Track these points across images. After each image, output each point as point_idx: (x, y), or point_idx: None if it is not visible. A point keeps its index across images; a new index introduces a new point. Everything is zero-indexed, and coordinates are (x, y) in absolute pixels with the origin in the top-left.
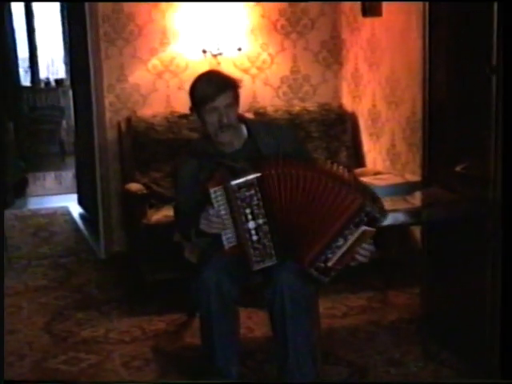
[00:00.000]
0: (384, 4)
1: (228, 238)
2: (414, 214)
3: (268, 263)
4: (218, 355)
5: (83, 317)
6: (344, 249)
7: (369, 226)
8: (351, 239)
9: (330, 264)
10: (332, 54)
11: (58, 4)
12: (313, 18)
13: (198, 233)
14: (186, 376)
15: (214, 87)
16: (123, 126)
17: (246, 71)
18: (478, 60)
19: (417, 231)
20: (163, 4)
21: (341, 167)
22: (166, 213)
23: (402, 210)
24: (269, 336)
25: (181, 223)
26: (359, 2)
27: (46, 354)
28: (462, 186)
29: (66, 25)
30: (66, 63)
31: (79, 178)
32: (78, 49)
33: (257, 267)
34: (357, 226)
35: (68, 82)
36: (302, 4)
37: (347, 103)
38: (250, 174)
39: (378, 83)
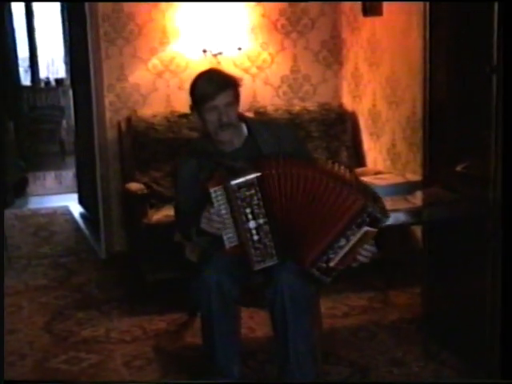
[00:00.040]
0: (384, 4)
1: (229, 238)
2: (414, 213)
3: (269, 263)
4: (219, 355)
5: (84, 316)
6: (346, 249)
7: (371, 226)
8: (353, 240)
9: (331, 264)
10: (332, 53)
11: (58, 4)
12: (313, 17)
13: (199, 232)
14: (186, 376)
15: (214, 86)
16: (123, 125)
17: (246, 71)
18: (479, 60)
19: (417, 231)
20: (163, 4)
21: (342, 167)
22: (167, 212)
23: (403, 209)
24: (270, 336)
25: (181, 222)
26: (360, 2)
27: (46, 353)
28: (462, 185)
29: (66, 24)
30: (66, 63)
31: (79, 177)
32: (78, 48)
33: (258, 267)
34: (359, 226)
35: (68, 82)
36: (303, 4)
37: (347, 103)
38: (250, 173)
39: (379, 83)
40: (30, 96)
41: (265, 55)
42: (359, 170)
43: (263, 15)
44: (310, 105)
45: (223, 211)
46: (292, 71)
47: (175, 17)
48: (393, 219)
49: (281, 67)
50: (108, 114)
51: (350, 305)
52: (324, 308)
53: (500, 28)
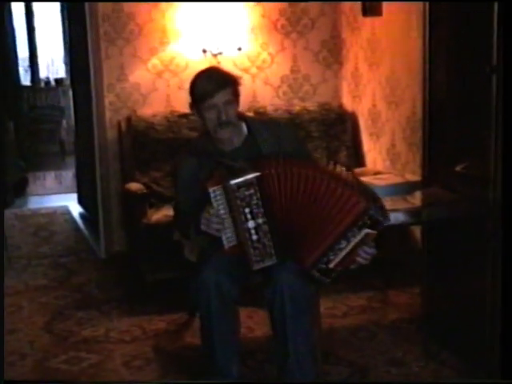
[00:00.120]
0: (384, 4)
1: (228, 238)
2: (414, 213)
3: (268, 263)
4: (218, 355)
5: (83, 316)
6: (346, 251)
7: (371, 228)
8: (354, 241)
9: (331, 265)
10: (332, 53)
11: (58, 4)
12: (313, 17)
13: (198, 231)
14: (186, 376)
15: (213, 84)
16: (123, 125)
17: (246, 71)
18: (478, 60)
19: (417, 231)
20: (163, 4)
21: (343, 169)
22: (166, 212)
23: (402, 209)
24: (269, 336)
25: (180, 221)
26: (359, 2)
27: (46, 353)
28: (462, 185)
29: (66, 24)
30: (66, 63)
31: (79, 177)
32: (78, 48)
33: (257, 267)
34: (360, 228)
35: (68, 82)
36: (302, 4)
37: (347, 103)
38: (249, 173)
39: (378, 83)
40: (29, 96)
41: (265, 55)
42: (359, 170)
43: (263, 15)
44: (310, 105)
45: (222, 211)
46: (292, 71)
47: (175, 17)
48: (392, 219)
49: (281, 67)
50: (108, 114)
51: (349, 305)
52: (323, 308)
53: (500, 28)
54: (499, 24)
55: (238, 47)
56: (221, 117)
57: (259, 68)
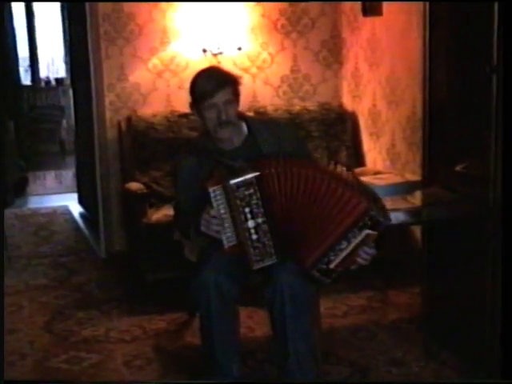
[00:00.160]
0: (384, 4)
1: (228, 238)
2: (414, 213)
3: (268, 262)
4: (219, 354)
5: (84, 316)
6: (347, 251)
7: (372, 229)
8: (354, 242)
9: (331, 266)
10: (332, 53)
11: (58, 3)
12: (313, 17)
13: (198, 232)
14: (186, 375)
15: (213, 83)
16: (123, 125)
17: (246, 70)
18: (479, 60)
19: (417, 231)
20: (163, 3)
21: (344, 169)
22: (166, 212)
23: (403, 209)
24: (269, 335)
25: (181, 221)
26: (360, 2)
27: (46, 353)
28: (462, 185)
29: (67, 24)
30: (66, 62)
31: (79, 177)
32: (79, 48)
33: (256, 266)
34: (360, 229)
35: (68, 81)
36: (303, 3)
37: (347, 103)
38: (249, 172)
39: (378, 83)
40: (30, 95)
41: (265, 55)
42: (359, 169)
43: (263, 15)
44: (310, 104)
45: (222, 211)
46: (292, 71)
47: (175, 17)
48: (392, 219)
49: (281, 67)
50: (108, 114)
51: (349, 304)
52: (324, 308)
53: (500, 28)
54: (499, 24)
55: (238, 47)
56: (221, 116)
57: (259, 68)
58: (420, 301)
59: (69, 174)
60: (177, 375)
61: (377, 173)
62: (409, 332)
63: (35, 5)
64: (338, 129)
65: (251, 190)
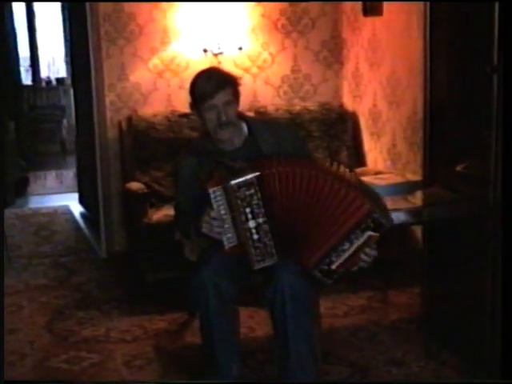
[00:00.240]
0: (385, 4)
1: (228, 238)
2: (414, 213)
3: (269, 262)
4: (218, 355)
5: (84, 316)
6: (349, 253)
7: (374, 231)
8: (356, 244)
9: (333, 267)
10: (333, 53)
11: (58, 3)
12: (313, 17)
13: (198, 233)
14: (186, 375)
15: (212, 84)
16: (124, 125)
17: (246, 70)
18: (479, 60)
19: (417, 231)
20: (164, 3)
21: (347, 169)
22: (167, 212)
23: (403, 209)
24: (270, 335)
25: (181, 221)
26: (360, 2)
27: (46, 353)
28: (462, 185)
29: (67, 24)
30: (66, 62)
31: (80, 177)
32: (79, 48)
33: (258, 266)
34: (363, 231)
35: (69, 81)
36: (303, 3)
37: (348, 103)
38: (249, 173)
39: (379, 83)
40: (30, 95)
41: (265, 55)
42: (360, 169)
43: (263, 15)
44: (311, 104)
45: (222, 211)
46: (292, 71)
47: (176, 17)
48: (393, 219)
49: (281, 67)
50: (109, 114)
51: (349, 305)
52: (324, 308)
53: (500, 28)
54: (499, 24)
55: (238, 47)
56: (221, 117)
57: (260, 68)
58: (420, 301)
59: (69, 174)
60: (177, 375)
61: (377, 173)
62: (409, 332)
63: (36, 5)
64: (339, 129)
65: (252, 190)
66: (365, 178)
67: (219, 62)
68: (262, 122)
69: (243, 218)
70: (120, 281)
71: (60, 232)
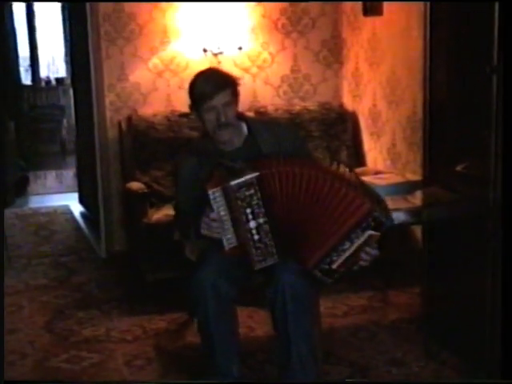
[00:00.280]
0: (385, 4)
1: (228, 239)
2: (414, 213)
3: (270, 262)
4: (218, 355)
5: (84, 316)
6: (349, 252)
7: (375, 230)
8: (357, 243)
9: (334, 266)
10: (333, 53)
11: (58, 3)
12: (313, 17)
13: (198, 234)
14: (186, 375)
15: (211, 86)
16: (124, 124)
17: (246, 70)
18: (479, 60)
19: (417, 231)
20: (164, 3)
21: (347, 169)
22: (167, 212)
23: (403, 209)
24: (270, 335)
25: (181, 222)
26: (360, 2)
27: (47, 352)
28: (462, 185)
29: (67, 24)
30: (66, 62)
31: (80, 176)
32: (79, 48)
33: (259, 266)
34: (363, 230)
35: (69, 81)
36: (303, 3)
37: (348, 102)
38: (249, 173)
39: (379, 83)
40: (30, 95)
41: (265, 55)
42: (359, 169)
43: (263, 15)
44: (311, 104)
45: (222, 212)
46: (292, 71)
47: (176, 16)
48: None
49: (281, 67)
50: (108, 114)
51: (349, 304)
52: (324, 308)
53: (500, 28)
54: (500, 24)
55: (238, 47)
56: (220, 118)
57: (260, 67)
58: (420, 301)
59: (69, 174)
60: (177, 375)
61: (377, 172)
62: (409, 332)
63: (36, 5)
64: (339, 129)
65: (252, 191)
66: (365, 178)
67: (219, 62)
68: (261, 122)
69: (244, 218)
70: (120, 281)
71: (60, 232)
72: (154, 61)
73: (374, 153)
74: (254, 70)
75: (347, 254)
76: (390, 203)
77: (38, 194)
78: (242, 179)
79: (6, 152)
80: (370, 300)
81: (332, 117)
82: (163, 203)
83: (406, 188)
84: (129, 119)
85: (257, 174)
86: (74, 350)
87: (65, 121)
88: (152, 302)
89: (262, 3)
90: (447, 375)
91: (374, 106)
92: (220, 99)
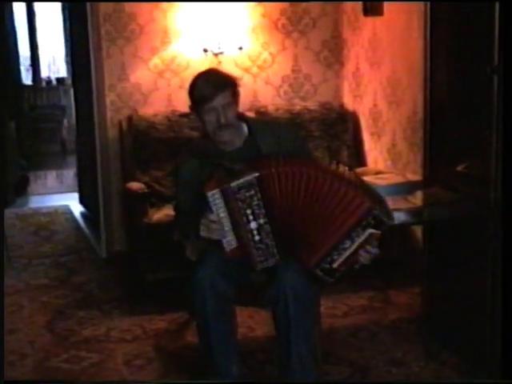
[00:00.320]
0: (385, 4)
1: (228, 241)
2: (414, 213)
3: (271, 263)
4: (217, 355)
5: (84, 315)
6: (350, 251)
7: (375, 228)
8: (358, 241)
9: (335, 265)
10: (333, 53)
11: (59, 3)
12: (314, 17)
13: (197, 236)
14: (186, 375)
15: (211, 87)
16: (124, 124)
17: (247, 70)
18: (479, 60)
19: (418, 231)
20: (164, 3)
21: (346, 168)
22: (167, 212)
23: (403, 209)
24: (270, 335)
25: (181, 223)
26: (361, 2)
27: (47, 352)
28: (462, 185)
29: (68, 24)
30: (67, 62)
31: (80, 176)
32: (80, 47)
33: (260, 267)
34: (364, 228)
35: (69, 81)
36: (304, 3)
37: (348, 102)
38: (248, 174)
39: (379, 83)
40: (31, 95)
41: (266, 55)
42: (360, 169)
43: (264, 15)
44: (311, 104)
45: (221, 214)
46: (293, 71)
47: (176, 16)
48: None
49: (282, 67)
50: (109, 114)
51: (349, 304)
52: (324, 308)
53: (500, 28)
54: (500, 24)
55: (239, 47)
56: (220, 119)
57: (260, 68)
58: (420, 301)
59: (70, 174)
60: (177, 375)
61: (378, 173)
62: (409, 332)
63: (36, 5)
64: (339, 129)
65: (252, 192)
66: (365, 178)
67: (219, 62)
68: (262, 122)
69: (244, 219)
70: (120, 280)
71: (60, 232)
72: (155, 61)
73: (375, 153)
74: (255, 70)
75: (348, 252)
76: (391, 203)
77: (38, 194)
78: (242, 180)
79: (6, 152)
80: (370, 300)
81: (332, 117)
82: (163, 203)
83: (407, 188)
84: (129, 119)
85: (257, 174)
86: (74, 349)
87: (65, 121)
88: (152, 302)
89: (262, 3)
90: (447, 375)
91: (375, 105)
92: (220, 100)
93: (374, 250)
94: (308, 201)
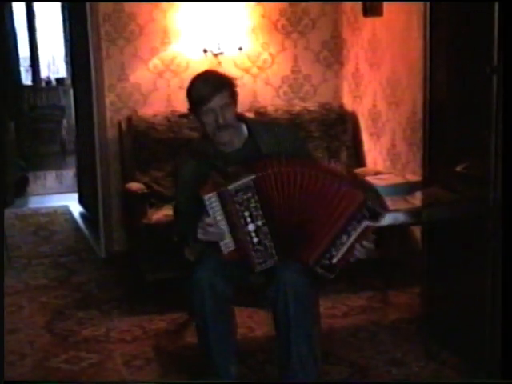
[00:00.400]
0: (385, 4)
1: (226, 244)
2: (414, 213)
3: (270, 264)
4: (215, 355)
5: (84, 316)
6: (348, 245)
7: (371, 220)
8: (354, 235)
9: (334, 261)
10: (333, 53)
11: (59, 3)
12: (314, 17)
13: (195, 239)
14: (186, 375)
15: (209, 88)
16: (124, 125)
17: (246, 71)
18: (479, 60)
19: (417, 231)
20: (164, 4)
21: (336, 164)
22: (167, 212)
23: (403, 209)
24: (270, 336)
25: (180, 224)
26: (360, 2)
27: (46, 353)
28: (462, 185)
29: (67, 24)
30: (66, 62)
31: (80, 177)
32: (79, 48)
33: (259, 269)
34: (359, 221)
35: (69, 81)
36: (303, 4)
37: (348, 103)
38: (245, 176)
39: (379, 83)
40: (30, 95)
41: (265, 55)
42: (359, 170)
43: (264, 15)
44: (311, 105)
45: (218, 217)
46: (292, 71)
47: (176, 17)
48: (392, 219)
49: (281, 67)
50: (108, 114)
51: (349, 305)
52: (324, 308)
53: (500, 28)
54: (500, 24)
55: (238, 47)
56: (218, 120)
57: (260, 68)
58: (420, 301)
59: (69, 174)
60: (177, 375)
61: (377, 173)
62: (409, 332)
63: (36, 5)
64: (339, 129)
65: (249, 194)
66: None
67: (219, 63)
68: (261, 123)
69: (242, 221)
70: (120, 281)
71: (60, 232)
72: (155, 61)
73: (374, 153)
74: (254, 70)
75: (346, 247)
76: (390, 204)
77: (37, 195)
78: (239, 183)
79: (6, 152)
80: (370, 300)
81: (332, 117)
82: (163, 203)
83: (406, 188)
84: (129, 119)
85: (253, 176)
86: (73, 350)
87: (65, 121)
88: (151, 302)
89: (262, 3)
90: (447, 375)
91: (374, 106)
92: (217, 101)
93: (370, 245)
94: (303, 198)
